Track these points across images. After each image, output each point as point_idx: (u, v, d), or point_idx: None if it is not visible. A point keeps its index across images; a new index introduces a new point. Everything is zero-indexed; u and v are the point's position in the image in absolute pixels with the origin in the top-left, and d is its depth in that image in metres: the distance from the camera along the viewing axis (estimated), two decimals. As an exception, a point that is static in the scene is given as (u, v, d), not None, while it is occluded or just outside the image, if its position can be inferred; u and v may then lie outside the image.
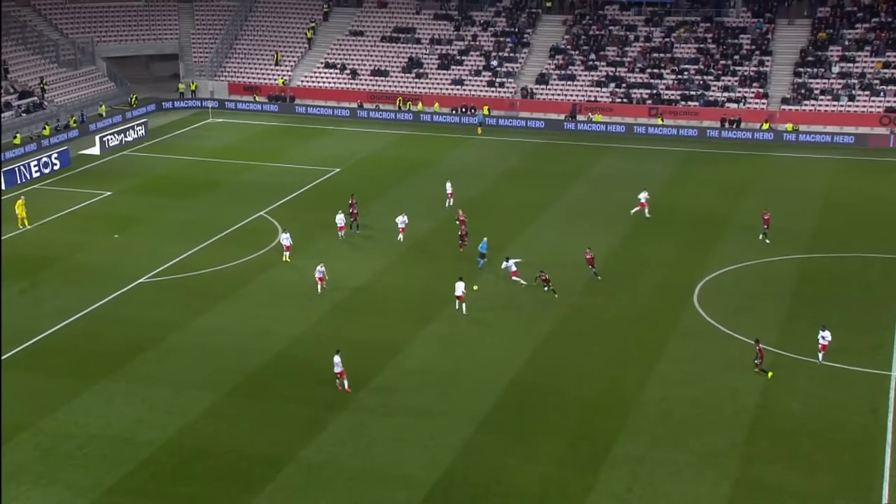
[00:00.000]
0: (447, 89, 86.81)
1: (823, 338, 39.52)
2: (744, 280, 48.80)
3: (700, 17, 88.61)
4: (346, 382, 37.61)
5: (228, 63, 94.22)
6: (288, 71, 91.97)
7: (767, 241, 52.69)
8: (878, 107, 77.70)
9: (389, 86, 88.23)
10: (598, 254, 49.37)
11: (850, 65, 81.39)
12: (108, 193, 63.80)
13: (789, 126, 77.02)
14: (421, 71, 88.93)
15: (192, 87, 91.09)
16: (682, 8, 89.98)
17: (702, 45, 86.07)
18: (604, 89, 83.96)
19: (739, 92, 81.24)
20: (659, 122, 79.74)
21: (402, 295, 47.35)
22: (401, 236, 53.54)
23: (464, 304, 44.61)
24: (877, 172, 68.50)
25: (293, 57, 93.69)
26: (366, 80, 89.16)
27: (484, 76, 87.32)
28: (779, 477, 32.49)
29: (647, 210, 57.22)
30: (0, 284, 47.49)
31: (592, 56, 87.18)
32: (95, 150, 73.57)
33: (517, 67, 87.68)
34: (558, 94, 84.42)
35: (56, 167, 68.86)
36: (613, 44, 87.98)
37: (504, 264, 47.53)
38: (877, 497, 31.49)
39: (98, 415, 36.59)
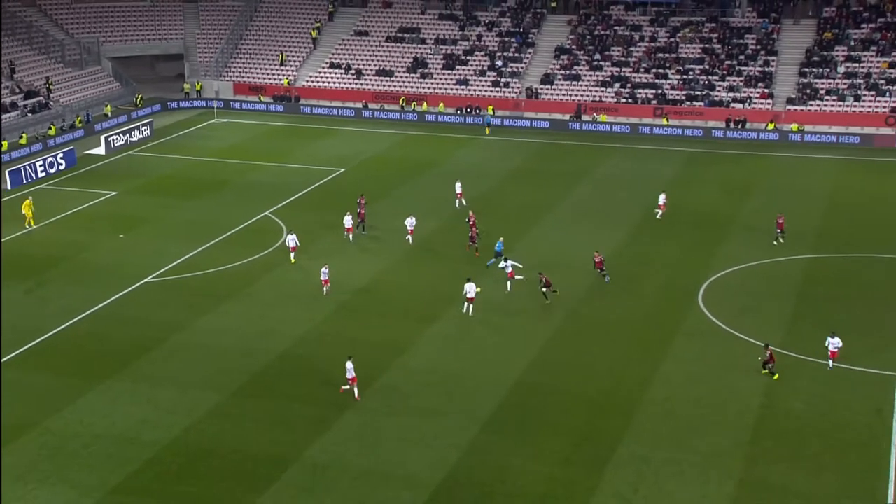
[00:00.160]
0: (452, 89, 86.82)
1: (833, 344, 39.26)
2: (749, 280, 48.75)
3: (705, 17, 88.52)
4: (356, 390, 37.28)
5: (233, 63, 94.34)
6: (293, 71, 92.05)
7: (782, 241, 52.51)
8: (884, 107, 77.54)
9: (394, 86, 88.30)
10: (602, 254, 49.34)
11: (856, 65, 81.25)
12: (114, 193, 63.91)
13: (794, 126, 76.88)
14: (426, 71, 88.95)
15: (198, 87, 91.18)
16: (688, 8, 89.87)
17: (707, 46, 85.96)
18: (609, 89, 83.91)
19: (745, 92, 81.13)
20: (664, 122, 79.65)
21: (406, 295, 47.35)
22: (409, 238, 53.57)
23: (471, 306, 44.61)
24: (882, 172, 68.36)
25: (298, 57, 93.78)
26: (371, 80, 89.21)
27: (489, 76, 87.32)
28: (783, 477, 32.49)
29: (660, 212, 57.22)
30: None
31: (597, 56, 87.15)
32: (101, 150, 73.70)
33: (522, 67, 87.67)
34: (563, 95, 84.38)
35: (61, 167, 69.00)
36: (618, 44, 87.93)
37: (502, 264, 47.53)
38: (882, 497, 31.45)
39: (103, 414, 36.68)
